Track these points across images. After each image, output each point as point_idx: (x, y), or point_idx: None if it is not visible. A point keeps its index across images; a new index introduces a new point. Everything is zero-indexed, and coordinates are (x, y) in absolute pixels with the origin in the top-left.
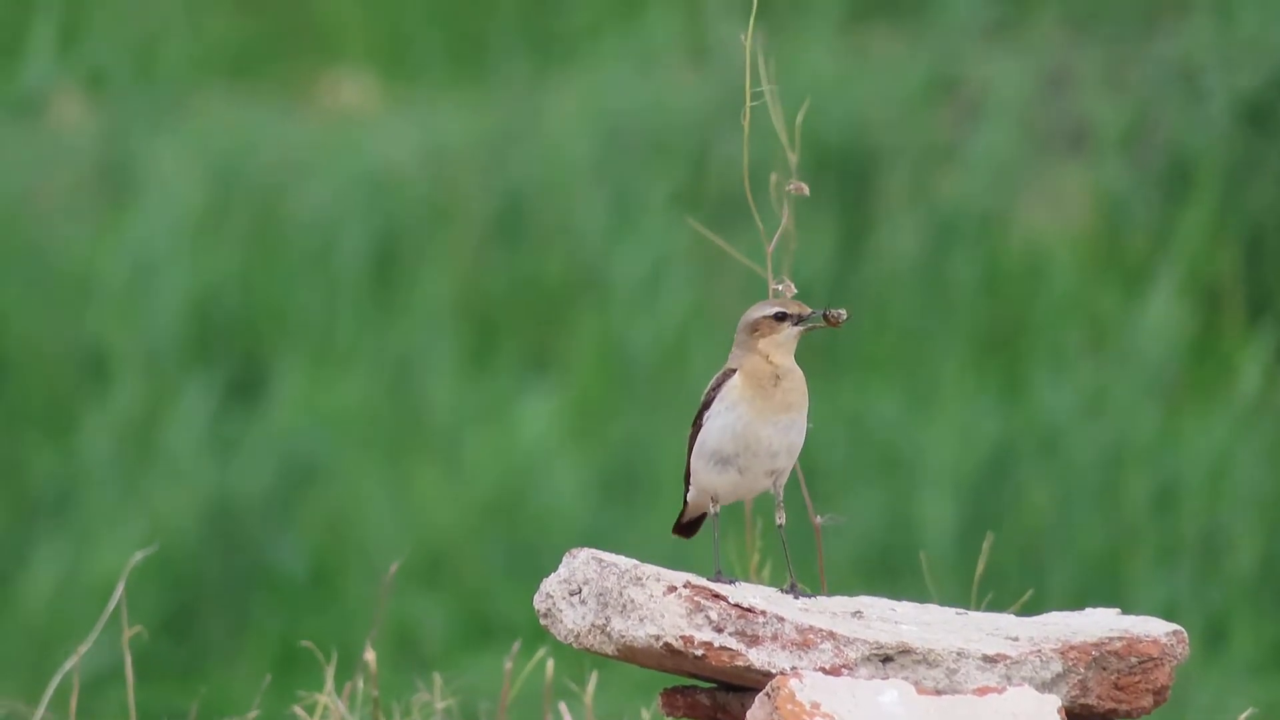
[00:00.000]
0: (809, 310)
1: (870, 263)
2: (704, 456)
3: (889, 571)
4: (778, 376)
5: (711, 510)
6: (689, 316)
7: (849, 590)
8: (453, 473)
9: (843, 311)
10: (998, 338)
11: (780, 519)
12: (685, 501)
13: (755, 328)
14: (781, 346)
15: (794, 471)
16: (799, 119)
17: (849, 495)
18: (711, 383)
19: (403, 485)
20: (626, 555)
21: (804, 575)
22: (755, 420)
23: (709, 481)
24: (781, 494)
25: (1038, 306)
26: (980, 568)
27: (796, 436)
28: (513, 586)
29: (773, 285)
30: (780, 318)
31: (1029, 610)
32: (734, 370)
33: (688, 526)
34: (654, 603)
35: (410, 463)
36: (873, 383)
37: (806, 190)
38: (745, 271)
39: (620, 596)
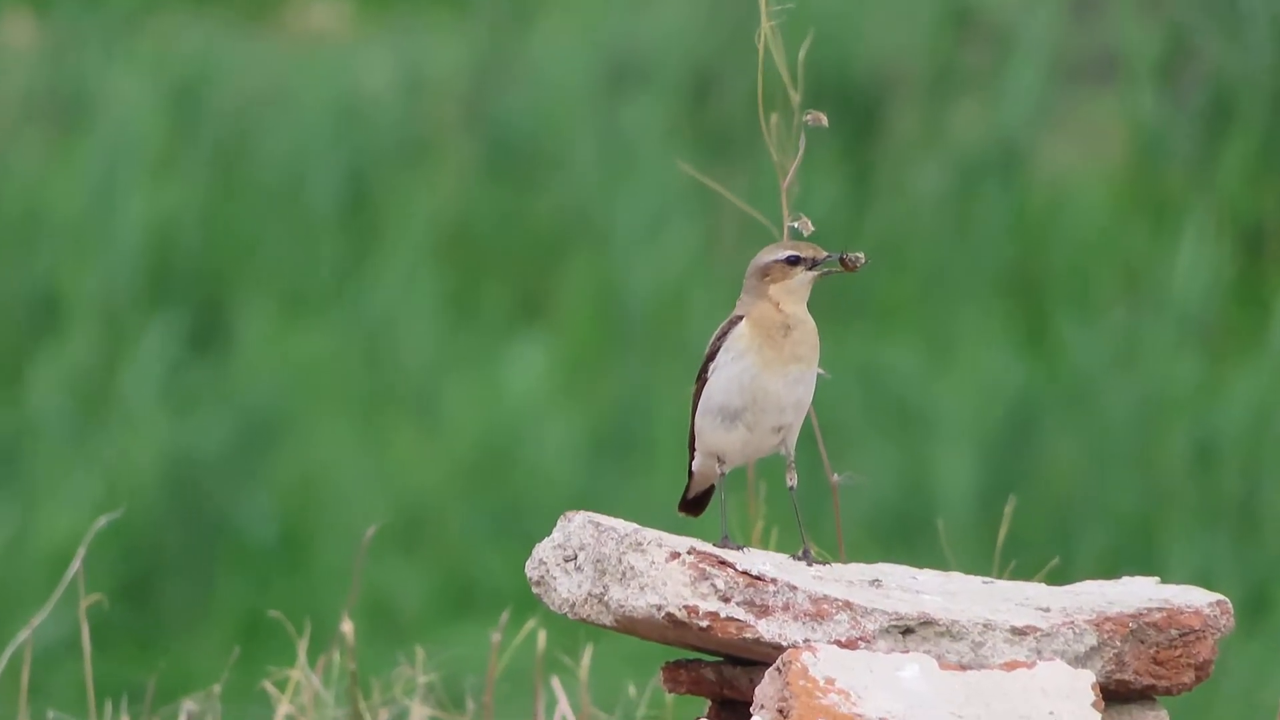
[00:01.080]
0: (824, 253)
1: (883, 204)
2: (710, 412)
3: (904, 536)
4: (788, 326)
5: (718, 470)
6: (691, 261)
7: (864, 557)
8: (433, 429)
9: (860, 255)
10: (1022, 283)
11: (791, 480)
12: (690, 473)
13: (766, 272)
14: (794, 293)
15: (808, 428)
16: (803, 51)
17: (860, 454)
18: (717, 331)
19: (379, 443)
20: (625, 520)
21: (818, 541)
22: (763, 372)
23: (715, 441)
24: (793, 453)
25: (1065, 249)
26: (1002, 533)
27: (805, 392)
28: (498, 552)
29: (788, 223)
30: (793, 261)
31: (1055, 580)
32: (740, 318)
33: (695, 503)
34: (656, 570)
35: (387, 418)
36: (886, 331)
37: (825, 121)
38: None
39: (619, 563)
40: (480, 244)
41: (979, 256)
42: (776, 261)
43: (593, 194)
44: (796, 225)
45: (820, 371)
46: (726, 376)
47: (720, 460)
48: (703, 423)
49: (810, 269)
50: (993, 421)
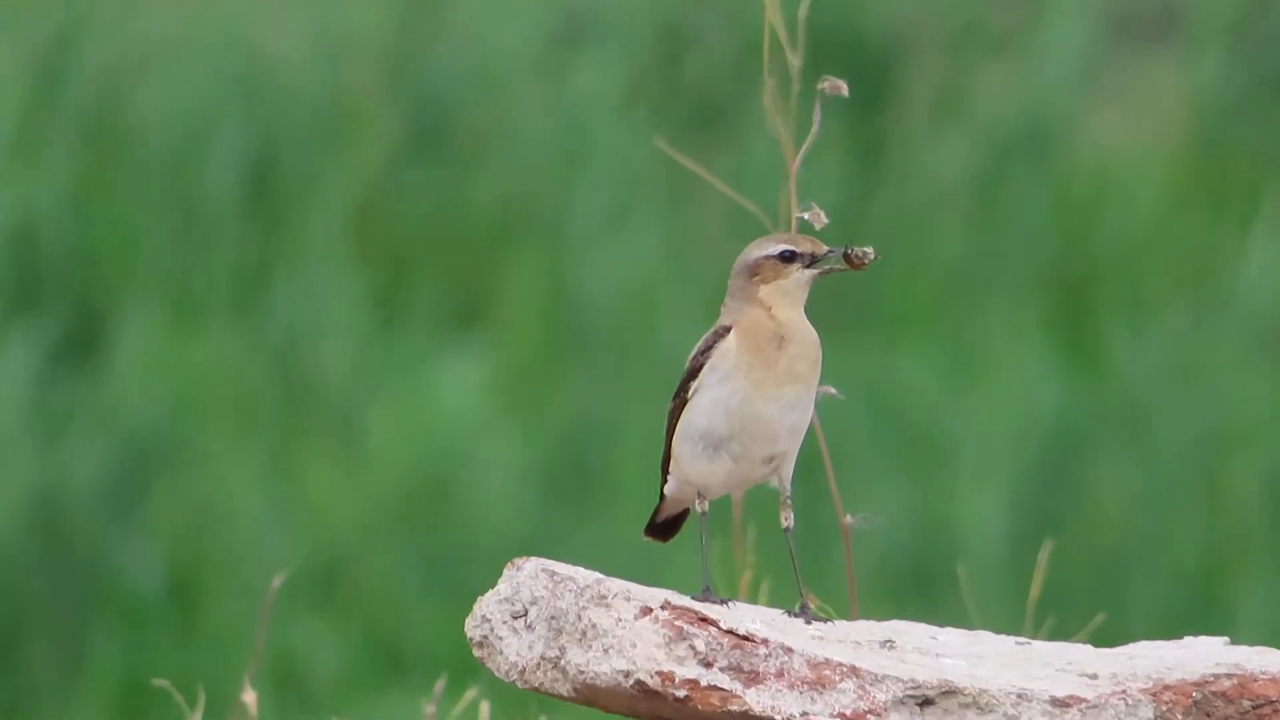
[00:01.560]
0: (825, 248)
1: (895, 189)
2: (690, 439)
3: (920, 588)
4: (782, 337)
5: (699, 509)
6: (662, 257)
7: (874, 613)
8: (353, 458)
9: (869, 250)
10: (1061, 283)
11: (787, 520)
12: (662, 495)
13: (755, 271)
14: (788, 295)
15: (814, 458)
16: (803, 5)
17: (868, 488)
18: (700, 344)
19: (288, 474)
20: (585, 567)
21: (819, 593)
22: (754, 395)
23: (697, 472)
24: (789, 487)
25: (1113, 242)
26: (1037, 584)
27: (801, 416)
28: (432, 607)
29: (797, 214)
30: (788, 258)
31: (1104, 639)
32: (728, 329)
33: (664, 526)
34: (623, 628)
35: (297, 444)
36: (899, 341)
37: (845, 89)
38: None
39: (579, 620)
40: (409, 235)
41: (1010, 251)
42: (768, 258)
43: (542, 175)
44: (807, 217)
45: (830, 391)
46: (711, 400)
47: (700, 495)
48: (681, 449)
49: (808, 266)
50: (1027, 450)
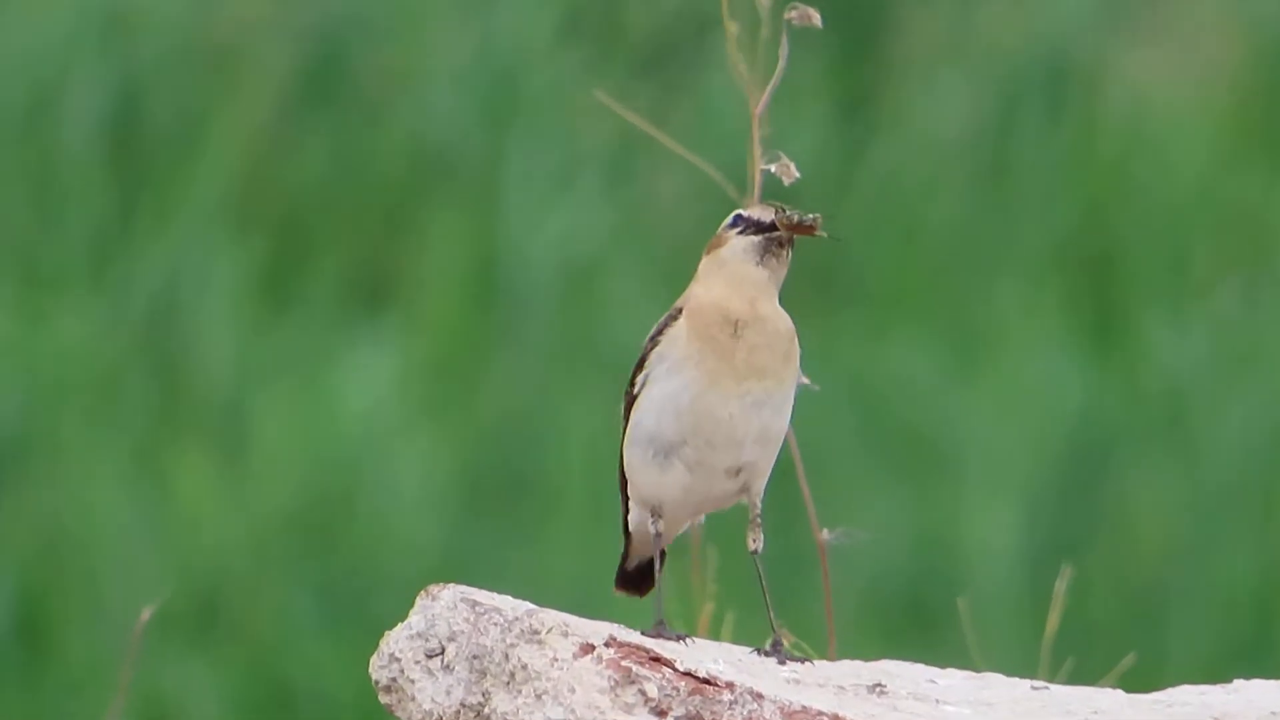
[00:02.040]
0: (773, 214)
1: (887, 144)
2: (639, 444)
3: (918, 620)
4: (736, 321)
5: (652, 529)
6: (610, 225)
7: (861, 651)
8: (236, 465)
9: (813, 216)
10: (1084, 255)
11: (755, 542)
12: (626, 531)
13: (711, 245)
14: (725, 268)
15: (787, 463)
16: None
17: (854, 501)
18: (655, 328)
19: (159, 484)
20: (514, 596)
21: (796, 629)
22: (709, 391)
23: (647, 483)
24: (759, 504)
25: (1148, 207)
26: (1055, 616)
27: (773, 418)
28: (330, 643)
29: (760, 166)
30: (734, 224)
31: (1136, 682)
32: (681, 310)
33: (636, 577)
34: (560, 670)
35: (170, 450)
36: (891, 327)
37: (818, 19)
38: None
39: (507, 660)
40: (303, 197)
41: (1023, 218)
42: (724, 228)
43: (464, 126)
44: (774, 170)
45: (803, 381)
46: (660, 395)
47: (656, 513)
48: (632, 457)
49: (753, 234)
50: (1044, 455)
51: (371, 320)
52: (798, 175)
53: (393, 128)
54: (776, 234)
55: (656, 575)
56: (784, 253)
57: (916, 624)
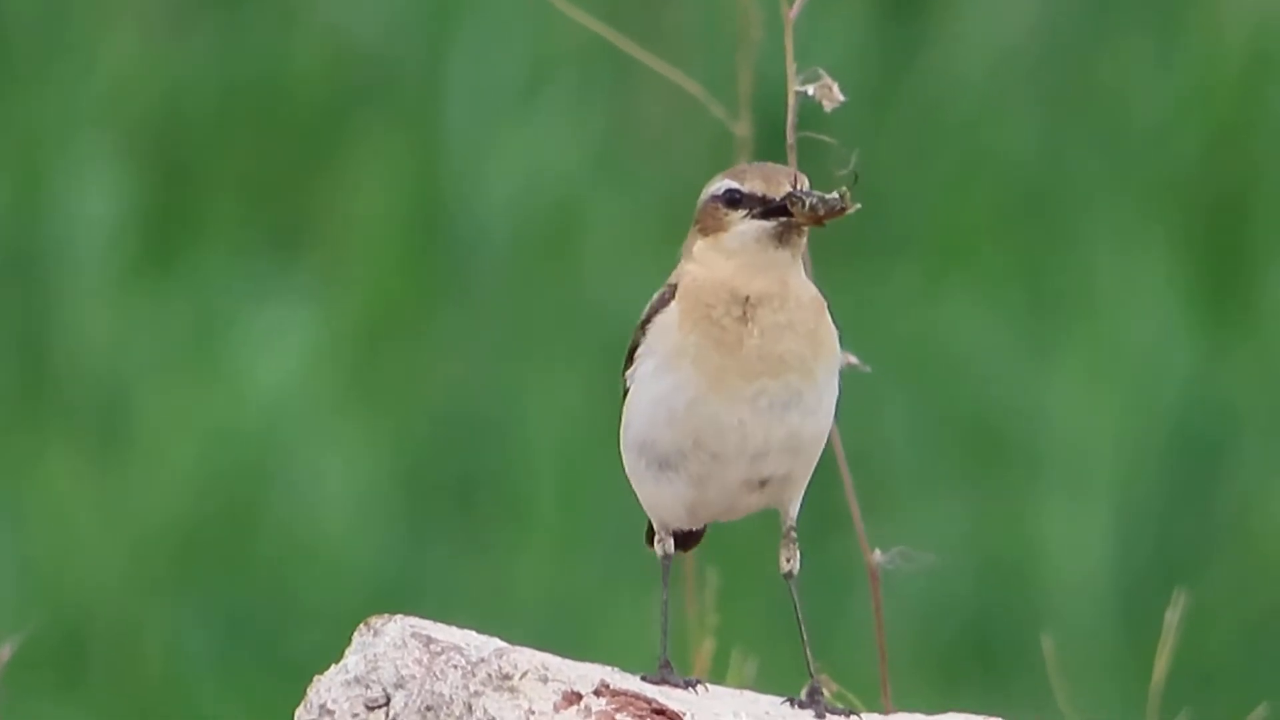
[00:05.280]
0: (787, 187)
1: (937, 55)
2: (631, 450)
3: (985, 661)
4: (746, 299)
5: (659, 550)
6: (584, 153)
7: (919, 701)
8: (112, 465)
9: (837, 195)
10: (1200, 195)
11: (789, 562)
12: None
13: (699, 218)
14: (733, 259)
15: (825, 465)
16: None
17: (906, 512)
18: (648, 308)
19: (13, 490)
20: (476, 631)
21: (838, 673)
22: (710, 392)
23: (644, 495)
24: (794, 514)
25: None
26: (1164, 658)
27: (804, 421)
28: (237, 688)
29: (795, 87)
30: (731, 200)
31: None
32: (674, 289)
33: (685, 534)
34: None
35: (31, 447)
36: (948, 287)
37: (839, 92)
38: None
39: (470, 713)
40: (197, 123)
41: (1115, 148)
42: (712, 199)
43: (398, 29)
44: (812, 92)
45: (852, 360)
46: (651, 398)
47: (661, 529)
48: (625, 460)
49: (759, 216)
50: (1147, 449)
51: (283, 274)
52: (842, 99)
53: (309, 26)
54: (794, 221)
55: (663, 604)
56: (805, 228)
57: (986, 666)
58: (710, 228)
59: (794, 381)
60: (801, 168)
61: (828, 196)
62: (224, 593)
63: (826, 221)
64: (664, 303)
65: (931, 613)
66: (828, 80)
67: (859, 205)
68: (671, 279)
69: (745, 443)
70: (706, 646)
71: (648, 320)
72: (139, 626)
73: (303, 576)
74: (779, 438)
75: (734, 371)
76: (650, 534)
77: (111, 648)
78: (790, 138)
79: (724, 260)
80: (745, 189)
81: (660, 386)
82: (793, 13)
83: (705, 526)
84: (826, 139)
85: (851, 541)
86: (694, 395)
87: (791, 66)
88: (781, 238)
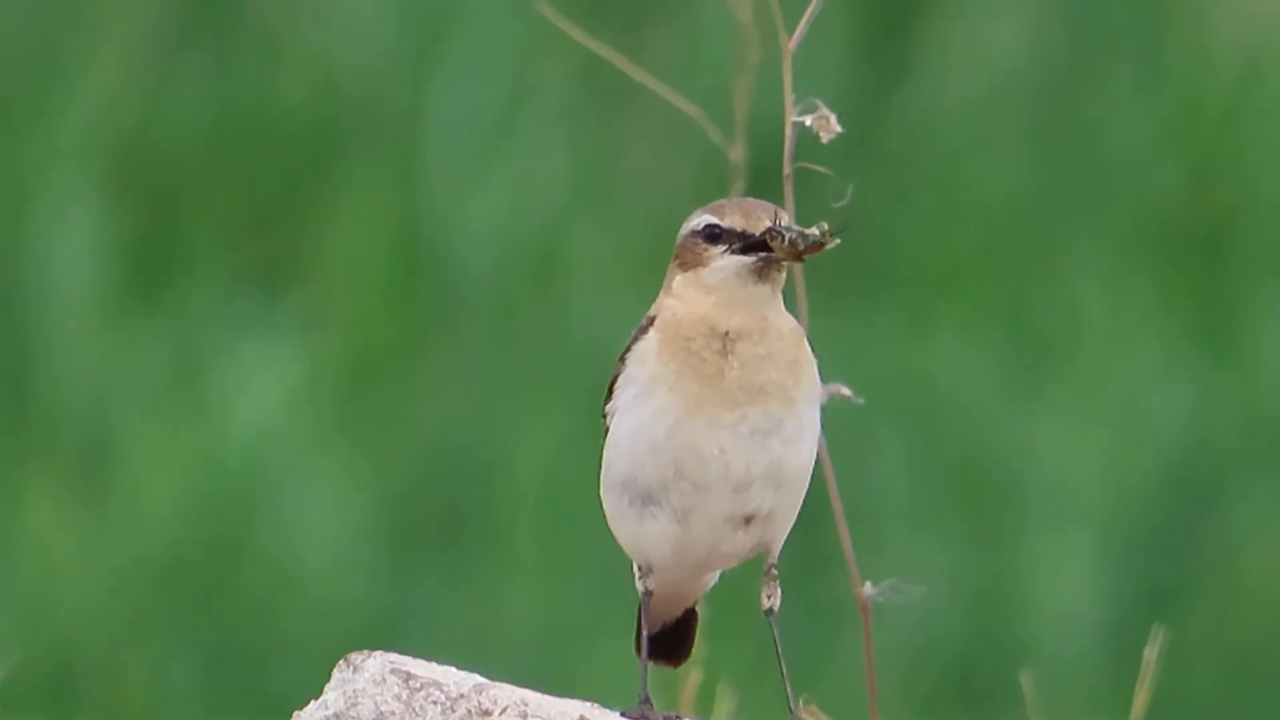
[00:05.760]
0: (767, 222)
1: (924, 85)
2: (612, 489)
3: (972, 696)
4: (726, 332)
5: (640, 586)
6: (570, 185)
7: None
8: (96, 500)
9: (818, 230)
10: (1189, 231)
11: (769, 599)
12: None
13: (678, 252)
14: (712, 294)
15: (814, 498)
16: None
17: (893, 547)
18: (630, 340)
19: (4, 523)
20: (459, 666)
21: (822, 705)
22: (689, 419)
23: (628, 536)
24: (775, 555)
25: (1272, 168)
26: (1142, 693)
27: (786, 449)
28: (219, 719)
29: (792, 118)
30: (711, 236)
31: None
32: (653, 320)
33: (670, 639)
34: None
35: (14, 480)
36: (934, 321)
37: (835, 123)
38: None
39: None
40: (181, 158)
41: (1104, 182)
42: (691, 234)
43: (383, 63)
44: (809, 123)
45: (844, 392)
46: (630, 429)
47: (643, 569)
48: (607, 503)
49: (738, 252)
50: (1133, 488)
51: (267, 309)
52: (839, 130)
53: (294, 62)
54: (774, 257)
55: (644, 642)
56: (784, 264)
57: (972, 701)
58: (690, 263)
59: (775, 409)
60: (794, 199)
61: (808, 231)
62: (208, 627)
63: (806, 257)
64: (643, 332)
65: (919, 648)
66: (825, 111)
67: (839, 240)
68: (651, 312)
69: (727, 472)
70: (692, 680)
71: (627, 350)
72: (123, 661)
73: (287, 611)
74: (761, 467)
75: (713, 401)
76: (638, 642)
77: (96, 682)
78: (787, 168)
79: (703, 295)
80: (725, 224)
81: (641, 415)
82: (791, 43)
83: (694, 637)
84: (822, 170)
85: (840, 577)
86: (674, 422)
87: (789, 97)
88: (761, 273)
